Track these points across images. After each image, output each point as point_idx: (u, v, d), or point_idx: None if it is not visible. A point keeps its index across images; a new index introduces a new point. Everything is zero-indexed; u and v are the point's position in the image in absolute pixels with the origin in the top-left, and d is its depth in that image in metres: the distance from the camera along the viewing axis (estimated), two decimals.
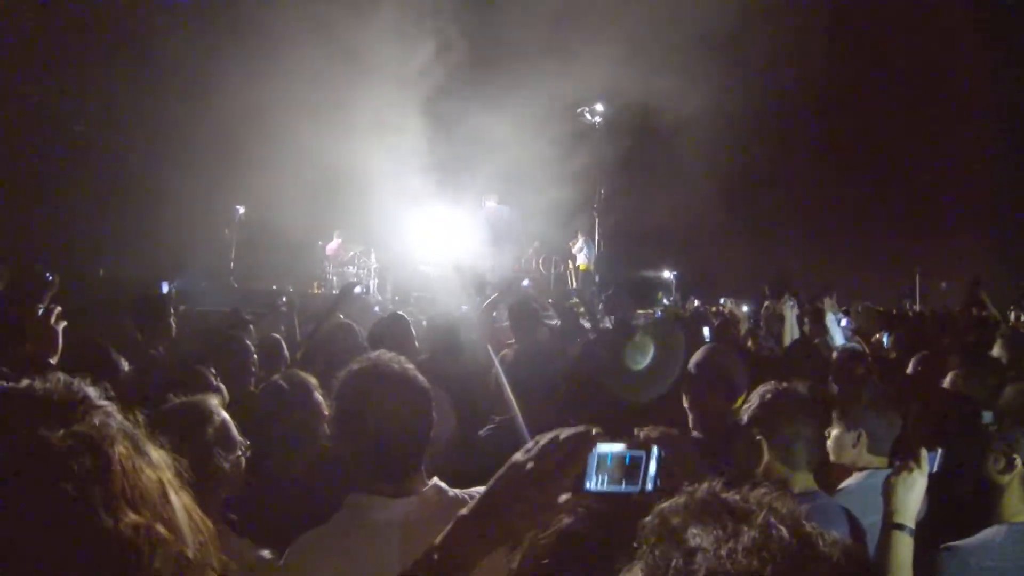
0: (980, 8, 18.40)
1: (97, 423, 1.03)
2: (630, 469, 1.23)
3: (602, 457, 1.21)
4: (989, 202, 19.10)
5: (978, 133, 19.01)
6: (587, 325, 7.33)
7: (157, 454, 1.12)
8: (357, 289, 5.46)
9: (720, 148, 17.81)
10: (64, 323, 3.19)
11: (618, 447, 1.23)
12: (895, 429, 3.09)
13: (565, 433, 1.24)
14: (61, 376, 1.09)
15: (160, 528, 1.02)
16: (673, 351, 3.87)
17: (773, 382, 2.78)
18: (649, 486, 1.23)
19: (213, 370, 3.88)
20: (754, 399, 2.71)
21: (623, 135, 15.75)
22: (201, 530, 1.12)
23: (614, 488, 1.23)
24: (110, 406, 1.09)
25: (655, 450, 1.24)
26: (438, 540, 1.32)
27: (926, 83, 19.30)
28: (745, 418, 2.69)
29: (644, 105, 15.07)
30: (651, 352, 4.65)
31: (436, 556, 1.30)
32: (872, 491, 2.61)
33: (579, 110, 15.13)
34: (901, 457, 2.40)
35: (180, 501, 1.11)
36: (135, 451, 1.06)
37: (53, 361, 3.06)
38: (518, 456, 1.28)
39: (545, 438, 1.26)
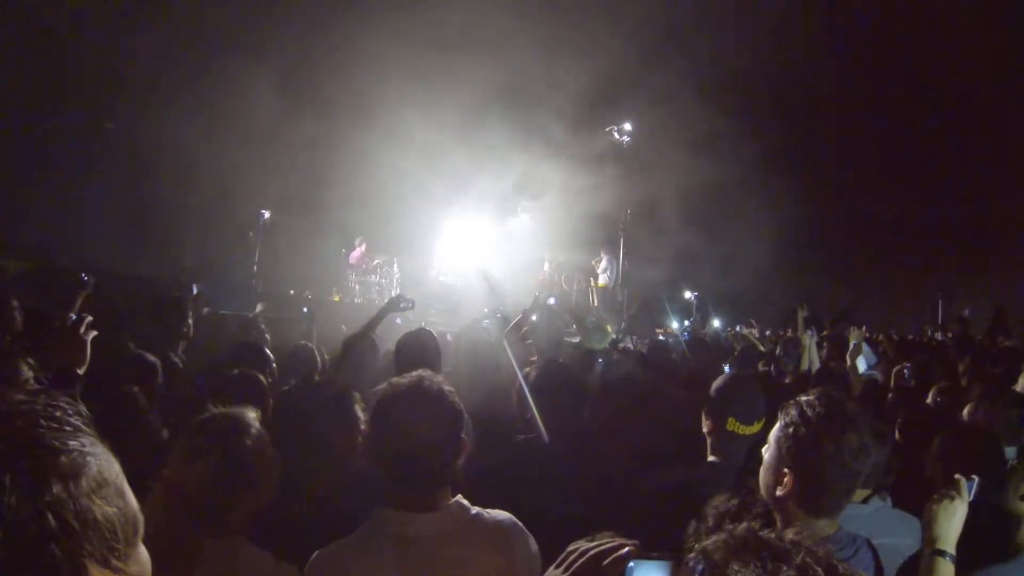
0: (1012, 35, 18.29)
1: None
2: None
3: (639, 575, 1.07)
4: (1014, 228, 18.93)
5: (1004, 159, 18.88)
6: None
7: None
8: (402, 305, 5.32)
9: (743, 170, 17.79)
10: (94, 332, 3.04)
11: (656, 565, 1.07)
12: None
13: (602, 547, 1.18)
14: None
15: None
16: None
17: None
18: None
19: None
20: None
21: (651, 154, 15.73)
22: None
23: None
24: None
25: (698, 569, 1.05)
26: None
27: (951, 107, 19.22)
28: None
29: (672, 124, 15.06)
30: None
31: None
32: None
33: (607, 129, 15.13)
34: (941, 486, 2.40)
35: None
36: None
37: (81, 372, 2.95)
38: (552, 571, 1.22)
39: (578, 550, 1.19)
